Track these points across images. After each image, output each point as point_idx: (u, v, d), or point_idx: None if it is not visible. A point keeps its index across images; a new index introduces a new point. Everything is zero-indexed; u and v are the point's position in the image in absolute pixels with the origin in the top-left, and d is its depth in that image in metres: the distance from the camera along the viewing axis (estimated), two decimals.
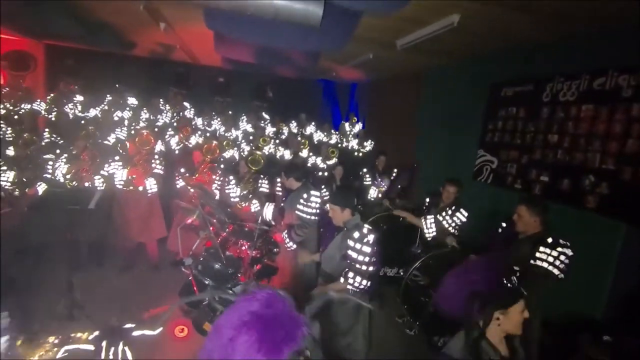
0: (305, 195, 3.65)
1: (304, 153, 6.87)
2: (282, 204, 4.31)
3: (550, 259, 2.55)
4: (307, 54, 5.14)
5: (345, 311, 2.67)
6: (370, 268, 2.51)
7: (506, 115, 4.73)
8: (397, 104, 7.77)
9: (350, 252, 2.51)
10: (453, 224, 3.81)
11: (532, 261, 2.60)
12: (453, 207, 3.84)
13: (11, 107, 6.44)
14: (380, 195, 5.59)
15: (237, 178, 4.82)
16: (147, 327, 3.56)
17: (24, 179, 4.25)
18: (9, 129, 5.59)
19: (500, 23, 3.72)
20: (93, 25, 5.43)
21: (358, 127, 8.69)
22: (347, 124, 8.69)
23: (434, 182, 4.71)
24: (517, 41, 4.27)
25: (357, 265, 2.48)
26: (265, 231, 3.92)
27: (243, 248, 3.77)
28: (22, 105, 6.55)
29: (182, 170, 4.95)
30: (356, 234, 2.51)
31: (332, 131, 8.48)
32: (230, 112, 8.27)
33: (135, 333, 3.46)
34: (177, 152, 6.16)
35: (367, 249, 2.49)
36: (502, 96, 4.82)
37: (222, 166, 5.40)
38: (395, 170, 6.20)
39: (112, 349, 3.17)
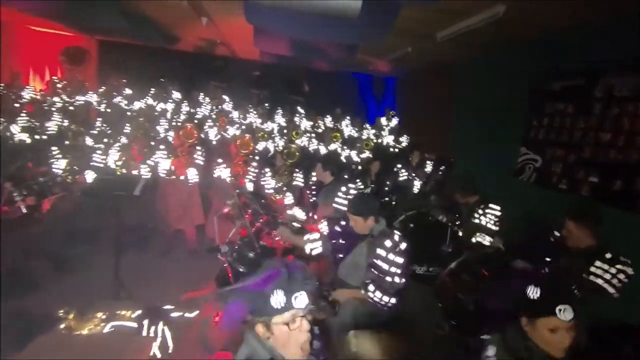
0: (344, 189, 3.65)
1: (334, 146, 6.88)
2: (313, 199, 4.35)
3: (607, 276, 2.34)
4: (345, 47, 5.12)
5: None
6: (400, 281, 2.33)
7: (553, 110, 4.46)
8: (434, 97, 7.56)
9: (379, 262, 2.35)
10: (488, 220, 3.69)
11: (585, 275, 2.40)
12: (482, 205, 3.73)
13: (67, 99, 6.93)
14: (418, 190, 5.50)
15: (273, 170, 4.92)
16: (185, 310, 3.76)
17: (75, 167, 4.57)
18: (65, 119, 6.03)
19: (550, 10, 3.50)
20: (140, 21, 5.70)
21: (394, 121, 8.55)
22: (383, 119, 8.57)
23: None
24: (566, 30, 4.01)
25: (387, 278, 2.32)
26: (297, 223, 3.98)
27: (276, 239, 3.86)
28: (77, 98, 7.03)
29: (220, 160, 5.12)
30: (388, 243, 2.35)
31: (367, 126, 8.41)
32: (266, 105, 8.41)
33: (174, 314, 3.67)
34: (214, 143, 6.37)
35: (399, 260, 2.33)
36: (548, 90, 4.55)
37: (257, 158, 5.53)
38: (431, 165, 6.06)
39: (153, 327, 3.37)
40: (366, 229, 2.54)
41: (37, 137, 5.44)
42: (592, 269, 2.38)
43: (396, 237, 2.38)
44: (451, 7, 3.57)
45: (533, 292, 1.56)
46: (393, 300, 2.32)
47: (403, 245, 2.36)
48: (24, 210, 3.70)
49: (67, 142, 4.81)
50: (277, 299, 1.21)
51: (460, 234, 4.09)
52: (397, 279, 2.32)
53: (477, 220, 3.75)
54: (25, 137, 5.28)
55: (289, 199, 4.74)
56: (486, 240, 3.61)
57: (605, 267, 2.35)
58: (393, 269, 2.31)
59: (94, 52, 8.46)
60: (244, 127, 7.13)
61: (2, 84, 6.73)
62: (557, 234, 2.86)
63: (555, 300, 1.48)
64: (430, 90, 7.80)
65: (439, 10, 3.72)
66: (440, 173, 5.99)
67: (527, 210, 4.43)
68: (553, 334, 1.47)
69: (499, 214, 3.70)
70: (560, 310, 1.45)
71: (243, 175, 4.94)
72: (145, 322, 3.37)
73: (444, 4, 3.28)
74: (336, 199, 3.66)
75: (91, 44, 8.35)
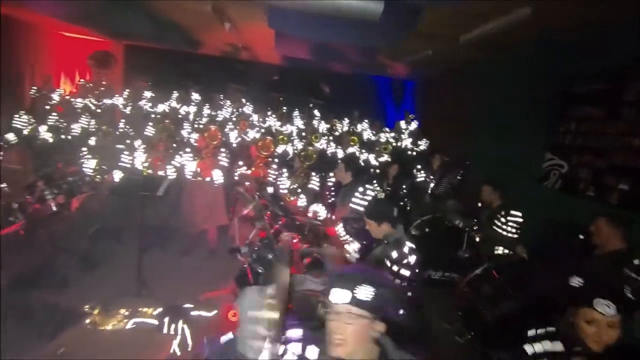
0: (361, 189, 3.65)
1: (352, 150, 6.88)
2: (331, 200, 4.35)
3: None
4: (365, 50, 5.12)
5: None
6: (407, 293, 2.26)
7: (580, 114, 4.33)
8: (454, 100, 7.45)
9: (391, 265, 2.31)
10: (510, 228, 3.60)
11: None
12: (503, 211, 3.63)
13: (94, 102, 7.19)
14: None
15: (290, 172, 4.96)
16: (204, 309, 3.82)
17: (104, 167, 4.73)
18: (92, 121, 6.25)
19: (577, 12, 3.40)
20: (165, 26, 5.86)
21: (414, 125, 8.47)
22: (402, 122, 8.51)
23: None
24: (594, 32, 3.89)
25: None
26: (315, 225, 4.00)
27: (294, 241, 3.88)
28: (104, 100, 7.28)
29: (240, 162, 5.20)
30: (394, 254, 2.29)
31: (386, 129, 8.36)
32: (285, 108, 8.49)
33: (193, 313, 3.73)
34: (234, 145, 6.47)
35: (406, 272, 2.27)
36: (574, 94, 4.41)
37: (276, 160, 5.59)
38: (444, 167, 5.96)
39: (173, 325, 3.44)
40: (380, 234, 2.51)
41: (66, 137, 5.66)
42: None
43: (406, 249, 2.32)
44: (474, 9, 3.52)
45: (575, 281, 1.56)
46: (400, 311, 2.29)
47: (412, 258, 2.29)
48: (54, 208, 3.85)
49: (96, 143, 4.98)
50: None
51: (477, 239, 4.02)
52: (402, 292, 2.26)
53: (497, 228, 3.66)
54: (55, 138, 5.51)
55: (302, 200, 4.78)
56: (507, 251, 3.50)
57: (633, 275, 2.27)
58: (397, 281, 2.26)
59: (120, 56, 8.75)
60: (263, 130, 7.22)
61: (35, 87, 7.04)
62: (581, 237, 2.79)
63: (595, 292, 1.46)
64: (450, 93, 7.70)
65: (462, 13, 3.67)
66: (458, 177, 5.89)
67: (552, 218, 4.31)
68: (589, 325, 1.44)
69: (520, 220, 3.61)
70: (598, 303, 1.43)
71: (263, 177, 5.00)
72: (166, 320, 3.45)
73: (466, 7, 3.24)
74: (353, 199, 3.66)
75: (117, 48, 8.64)
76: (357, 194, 3.65)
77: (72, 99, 7.12)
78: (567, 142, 4.48)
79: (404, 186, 5.35)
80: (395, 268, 2.27)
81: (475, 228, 4.08)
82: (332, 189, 4.56)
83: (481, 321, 3.55)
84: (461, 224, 4.16)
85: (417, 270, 2.32)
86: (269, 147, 5.19)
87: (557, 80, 4.64)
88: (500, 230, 3.62)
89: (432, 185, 5.48)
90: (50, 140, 5.46)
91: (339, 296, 1.25)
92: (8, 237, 3.41)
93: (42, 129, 5.50)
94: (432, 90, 8.72)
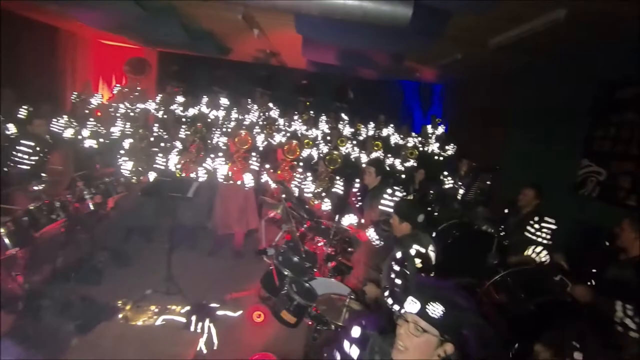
0: (389, 191, 3.63)
1: (377, 154, 6.84)
2: (358, 204, 4.34)
3: None
4: (392, 55, 5.10)
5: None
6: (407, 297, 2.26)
7: (620, 120, 4.12)
8: (484, 105, 7.27)
9: (391, 273, 2.28)
10: (543, 235, 3.46)
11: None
12: (536, 217, 3.50)
13: (129, 106, 7.52)
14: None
15: (315, 176, 4.99)
16: (229, 309, 3.90)
17: (139, 168, 4.94)
18: (128, 124, 6.54)
19: (616, 13, 3.25)
20: (197, 33, 6.06)
21: (441, 129, 8.33)
22: (429, 127, 8.39)
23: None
24: (633, 35, 3.69)
25: (395, 288, 2.24)
26: (341, 230, 4.00)
27: (319, 244, 3.90)
28: (138, 105, 7.60)
29: (267, 166, 5.29)
30: (398, 254, 2.29)
31: (413, 134, 8.27)
32: (311, 112, 8.56)
33: (219, 312, 3.82)
34: (261, 149, 6.58)
35: (398, 276, 2.22)
36: (614, 98, 4.21)
37: (301, 164, 5.64)
38: (473, 172, 5.82)
39: (200, 323, 3.54)
40: (398, 231, 2.57)
41: (104, 140, 5.95)
42: None
43: (412, 251, 2.33)
44: (506, 12, 3.43)
45: None
46: (396, 307, 2.20)
47: (411, 267, 2.25)
48: (92, 207, 4.05)
49: (131, 146, 5.20)
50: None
51: (506, 243, 3.89)
52: (402, 292, 2.20)
53: (528, 234, 3.54)
54: (94, 141, 5.81)
55: (326, 205, 4.80)
56: (543, 255, 3.36)
57: None
58: (398, 281, 2.23)
59: (154, 63, 9.11)
60: (289, 133, 7.30)
61: (75, 92, 7.46)
62: (607, 243, 2.68)
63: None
64: (480, 97, 7.53)
65: (492, 17, 3.59)
66: (487, 183, 5.74)
67: (588, 227, 4.12)
68: None
69: (554, 227, 3.47)
70: None
71: (289, 180, 5.06)
72: (193, 318, 3.56)
73: (498, 10, 3.17)
74: (382, 201, 3.64)
75: (152, 55, 9.01)
76: (386, 196, 3.63)
77: (109, 104, 7.49)
78: (606, 149, 4.28)
79: (431, 191, 5.27)
80: (397, 268, 2.26)
81: (503, 234, 3.97)
82: (359, 193, 4.55)
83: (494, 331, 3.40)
84: (490, 229, 4.06)
85: (414, 280, 2.26)
86: (295, 150, 5.24)
87: (595, 85, 4.45)
88: (531, 237, 3.50)
89: (460, 191, 5.35)
90: (90, 142, 5.76)
91: (409, 305, 1.27)
92: (50, 233, 3.62)
93: (83, 132, 5.81)
94: (461, 94, 8.54)
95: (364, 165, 6.45)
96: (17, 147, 3.91)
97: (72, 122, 5.86)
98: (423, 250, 2.41)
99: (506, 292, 3.47)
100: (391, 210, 3.38)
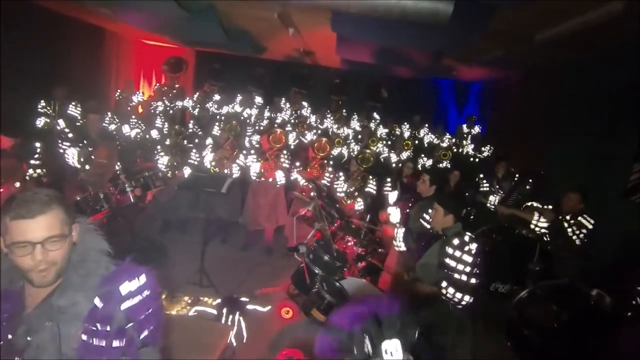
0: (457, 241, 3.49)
1: (405, 155, 6.72)
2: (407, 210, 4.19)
3: None
4: (429, 53, 4.97)
5: (447, 326, 2.45)
6: (472, 280, 2.28)
7: None
8: (526, 105, 6.93)
9: (448, 260, 2.33)
10: (577, 232, 3.28)
11: None
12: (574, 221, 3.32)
13: (167, 104, 7.81)
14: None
15: (347, 175, 4.96)
16: (259, 303, 3.96)
17: (175, 163, 5.12)
18: (165, 121, 6.80)
19: None
20: (234, 33, 6.20)
21: (477, 129, 8.05)
22: (464, 127, 8.13)
23: None
24: None
25: (456, 275, 2.29)
26: (371, 230, 3.96)
27: (349, 244, 3.88)
28: (176, 102, 7.89)
29: (297, 164, 5.32)
30: (456, 241, 2.33)
31: (448, 135, 8.04)
32: (344, 111, 8.53)
33: (249, 307, 3.88)
34: (292, 147, 6.63)
35: (468, 258, 2.27)
36: None
37: (331, 162, 5.63)
38: (517, 176, 5.55)
39: (230, 316, 3.61)
40: (442, 224, 2.52)
41: (144, 135, 6.22)
42: None
43: (466, 238, 2.34)
44: (553, 6, 3.23)
45: None
46: (467, 298, 2.26)
47: (473, 245, 2.30)
48: (132, 200, 4.24)
49: (169, 141, 5.40)
50: (365, 344, 1.06)
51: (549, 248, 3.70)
52: (465, 278, 2.26)
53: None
54: (135, 136, 6.08)
55: (359, 204, 4.75)
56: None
57: None
58: (461, 267, 2.27)
59: (192, 61, 9.42)
60: (320, 131, 7.31)
61: (118, 90, 7.85)
62: None
63: None
64: (522, 97, 7.19)
65: (539, 10, 3.40)
66: (527, 187, 5.46)
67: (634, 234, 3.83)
68: None
69: (590, 227, 3.28)
70: None
71: (319, 178, 5.07)
72: (224, 311, 3.63)
73: (546, 2, 2.99)
74: (424, 215, 3.50)
75: (190, 54, 9.32)
76: (430, 211, 3.48)
77: (150, 101, 7.82)
78: None
79: (466, 193, 5.09)
80: (457, 254, 2.27)
81: (547, 239, 3.78)
82: (412, 199, 4.39)
83: (527, 347, 3.22)
84: (531, 235, 3.88)
85: (478, 260, 2.28)
86: (325, 148, 5.24)
87: None
88: (569, 233, 3.33)
89: (498, 194, 5.14)
90: (132, 138, 6.03)
91: (394, 349, 1.02)
92: (94, 223, 3.81)
93: (125, 128, 6.10)
94: (499, 93, 8.20)
95: (394, 165, 6.38)
96: (67, 141, 4.16)
97: (115, 118, 6.17)
98: (475, 245, 2.34)
99: (537, 306, 3.30)
100: (429, 225, 3.17)
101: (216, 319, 3.55)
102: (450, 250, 2.32)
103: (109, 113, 6.17)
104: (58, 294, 1.10)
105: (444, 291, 2.31)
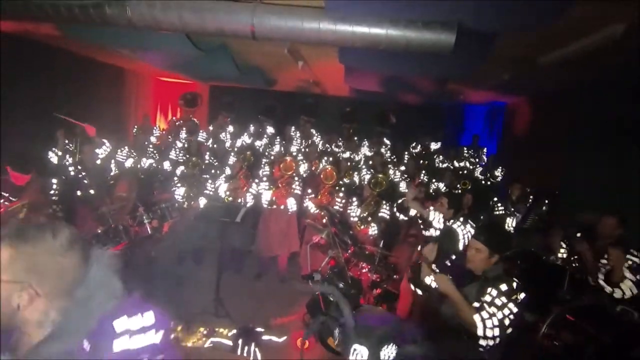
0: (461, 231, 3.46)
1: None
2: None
3: None
4: (435, 80, 5.09)
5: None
6: (505, 331, 2.09)
7: None
8: (538, 126, 6.93)
9: (489, 307, 2.11)
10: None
11: None
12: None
13: (184, 136, 8.07)
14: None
15: (360, 200, 4.99)
16: (275, 334, 3.92)
17: (191, 194, 5.24)
18: (181, 153, 7.02)
19: None
20: (245, 68, 6.48)
21: (484, 151, 8.05)
22: (473, 149, 8.14)
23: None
24: None
25: (495, 321, 2.09)
26: (385, 256, 3.93)
27: (363, 270, 3.86)
28: (191, 135, 8.14)
29: (309, 191, 5.39)
30: (504, 287, 2.11)
31: (464, 153, 8.07)
32: (355, 138, 8.66)
33: (264, 337, 3.85)
34: (304, 175, 6.71)
35: (514, 308, 2.09)
36: None
37: (342, 189, 5.67)
38: (532, 197, 5.47)
39: (246, 347, 3.58)
40: (483, 266, 2.24)
41: (161, 167, 6.41)
42: None
43: (514, 285, 2.14)
44: (556, 30, 3.32)
45: None
46: (500, 335, 2.10)
47: (521, 296, 2.12)
48: (150, 231, 4.34)
49: (184, 173, 5.55)
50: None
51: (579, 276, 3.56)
52: (507, 322, 2.09)
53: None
54: (153, 169, 6.27)
55: (372, 229, 4.74)
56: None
57: None
58: (501, 315, 2.07)
59: (206, 95, 9.81)
60: (330, 159, 7.40)
61: (136, 125, 8.19)
62: None
63: None
64: (533, 118, 7.21)
65: (539, 35, 3.49)
66: (544, 208, 5.36)
67: None
68: None
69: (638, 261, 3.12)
70: None
71: (330, 204, 5.10)
72: (240, 342, 3.61)
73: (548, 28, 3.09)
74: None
75: (204, 88, 9.73)
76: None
77: (166, 135, 8.11)
78: None
79: (481, 217, 5.03)
80: (502, 300, 2.07)
81: (575, 265, 3.62)
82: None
83: None
84: (559, 261, 3.74)
85: (519, 315, 2.12)
86: (332, 176, 5.31)
87: None
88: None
89: (514, 217, 5.05)
90: (150, 170, 6.23)
91: (361, 354, 1.08)
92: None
93: (143, 161, 6.31)
94: (510, 114, 8.24)
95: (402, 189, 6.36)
96: (88, 176, 4.35)
97: (133, 152, 6.40)
98: (521, 295, 2.17)
99: (569, 331, 3.16)
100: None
101: (232, 350, 3.53)
102: (495, 295, 2.12)
103: (126, 147, 6.40)
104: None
105: (479, 332, 2.11)
